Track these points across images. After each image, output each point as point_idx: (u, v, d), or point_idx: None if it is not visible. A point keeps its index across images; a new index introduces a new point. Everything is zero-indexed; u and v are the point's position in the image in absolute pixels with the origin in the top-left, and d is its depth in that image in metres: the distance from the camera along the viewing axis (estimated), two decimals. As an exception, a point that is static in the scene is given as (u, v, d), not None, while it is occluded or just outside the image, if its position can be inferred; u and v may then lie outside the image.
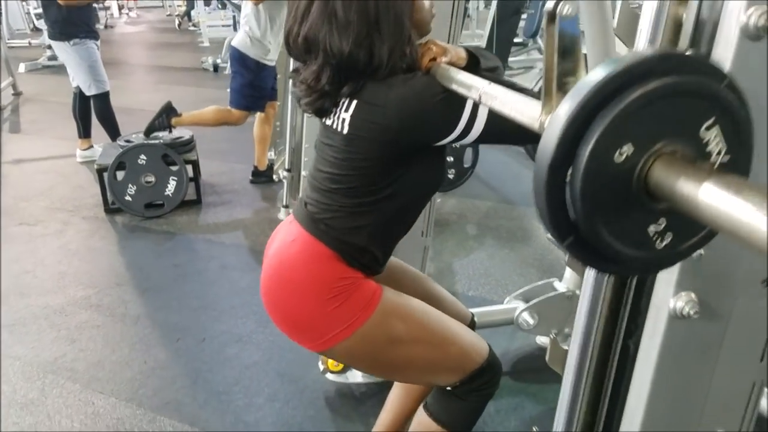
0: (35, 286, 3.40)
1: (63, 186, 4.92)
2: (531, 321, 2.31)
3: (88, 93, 5.10)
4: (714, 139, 0.67)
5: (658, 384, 0.93)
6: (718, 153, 0.67)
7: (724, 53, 0.80)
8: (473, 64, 1.49)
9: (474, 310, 2.48)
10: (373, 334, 1.48)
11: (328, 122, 1.48)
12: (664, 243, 0.71)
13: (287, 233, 1.56)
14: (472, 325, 1.80)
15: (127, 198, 4.20)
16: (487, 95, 1.07)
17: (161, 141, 4.36)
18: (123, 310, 3.12)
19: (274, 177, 4.73)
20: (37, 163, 5.56)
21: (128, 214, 4.26)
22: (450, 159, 4.38)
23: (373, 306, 1.47)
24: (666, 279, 0.90)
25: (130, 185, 4.19)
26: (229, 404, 2.40)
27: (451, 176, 4.45)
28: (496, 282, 3.33)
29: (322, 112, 1.47)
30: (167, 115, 4.45)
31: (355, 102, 1.40)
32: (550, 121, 0.65)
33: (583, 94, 0.63)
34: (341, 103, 1.42)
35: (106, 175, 4.19)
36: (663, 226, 0.70)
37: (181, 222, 4.19)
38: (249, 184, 4.80)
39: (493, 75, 1.52)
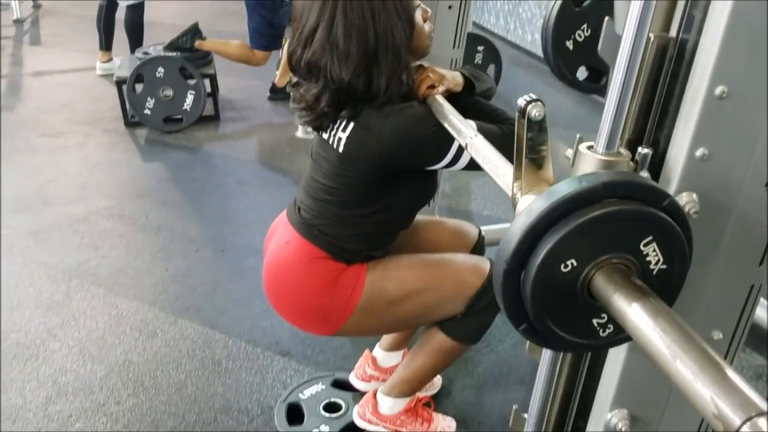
0: (58, 195, 3.47)
1: (83, 99, 4.93)
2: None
3: (123, 2, 5.02)
4: (652, 252, 0.78)
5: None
6: (657, 262, 0.79)
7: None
8: (469, 88, 1.57)
9: (486, 228, 2.52)
10: (370, 306, 1.58)
11: (325, 136, 1.53)
12: (607, 332, 0.83)
13: (282, 235, 1.65)
14: (479, 241, 1.84)
15: (146, 111, 4.21)
16: (473, 146, 1.22)
17: (179, 54, 4.33)
18: (144, 220, 3.19)
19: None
20: (58, 76, 5.55)
21: (148, 128, 4.29)
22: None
23: (361, 283, 1.57)
24: (666, 177, 0.91)
25: (148, 99, 4.19)
26: (247, 311, 2.48)
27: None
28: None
29: (320, 128, 1.53)
30: (192, 36, 4.42)
31: (352, 124, 1.45)
32: (507, 234, 0.78)
33: (533, 216, 0.75)
34: (339, 121, 1.47)
35: (124, 87, 4.19)
36: (605, 319, 0.82)
37: (199, 137, 4.21)
38: (267, 101, 4.79)
39: (485, 101, 1.62)
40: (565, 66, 2.40)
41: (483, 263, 1.66)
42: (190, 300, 2.56)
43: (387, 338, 2.01)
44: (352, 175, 1.50)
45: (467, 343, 1.70)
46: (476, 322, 1.66)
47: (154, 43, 4.61)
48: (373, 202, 1.54)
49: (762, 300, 2.19)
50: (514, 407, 1.23)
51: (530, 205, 0.77)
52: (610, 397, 1.06)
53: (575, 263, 0.76)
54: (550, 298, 0.78)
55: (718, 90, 0.85)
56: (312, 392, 2.00)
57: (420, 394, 1.94)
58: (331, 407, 1.94)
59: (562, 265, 0.75)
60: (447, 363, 1.76)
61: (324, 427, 1.87)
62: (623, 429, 1.06)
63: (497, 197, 3.41)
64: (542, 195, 0.77)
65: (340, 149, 1.48)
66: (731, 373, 0.63)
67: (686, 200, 0.90)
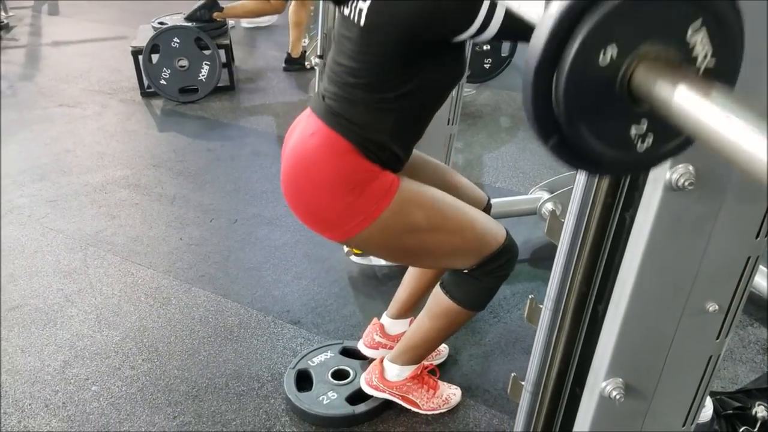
0: (76, 164, 3.52)
1: (101, 69, 4.97)
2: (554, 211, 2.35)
3: None
4: (700, 42, 0.67)
5: (649, 255, 0.96)
6: (704, 56, 0.67)
7: None
8: None
9: (499, 200, 2.53)
10: (391, 222, 1.52)
11: (346, 12, 1.46)
12: (645, 145, 0.73)
13: (306, 126, 1.57)
14: (487, 209, 1.84)
15: (162, 82, 4.23)
16: None
17: (195, 25, 4.33)
18: (159, 190, 3.23)
19: (306, 64, 4.70)
20: (75, 46, 5.59)
21: (164, 99, 4.32)
22: (486, 48, 4.29)
23: (391, 196, 1.50)
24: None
25: (164, 69, 4.22)
26: (259, 279, 2.52)
27: (487, 66, 4.36)
28: (524, 175, 3.34)
29: (340, 1, 1.46)
30: (210, 8, 4.43)
31: None
32: (539, 21, 0.66)
33: None
34: None
35: (140, 58, 4.22)
36: (645, 128, 0.71)
37: (214, 108, 4.23)
38: (282, 72, 4.79)
39: None
40: None
41: (502, 230, 1.65)
42: (204, 268, 2.60)
43: (394, 306, 2.04)
44: (375, 51, 1.42)
45: (472, 309, 1.71)
46: (481, 286, 1.67)
47: (172, 13, 4.61)
48: (399, 82, 1.44)
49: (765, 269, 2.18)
50: (512, 375, 1.25)
51: None
52: (605, 365, 1.08)
53: (615, 51, 0.65)
54: (586, 97, 0.68)
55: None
56: (321, 359, 2.04)
57: (426, 362, 1.97)
58: (340, 374, 1.98)
59: (602, 55, 0.65)
60: (452, 329, 1.78)
61: (332, 394, 1.91)
62: (617, 397, 1.08)
63: (510, 170, 3.40)
64: None
65: (362, 22, 1.39)
66: None
67: (682, 172, 0.91)
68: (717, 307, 1.05)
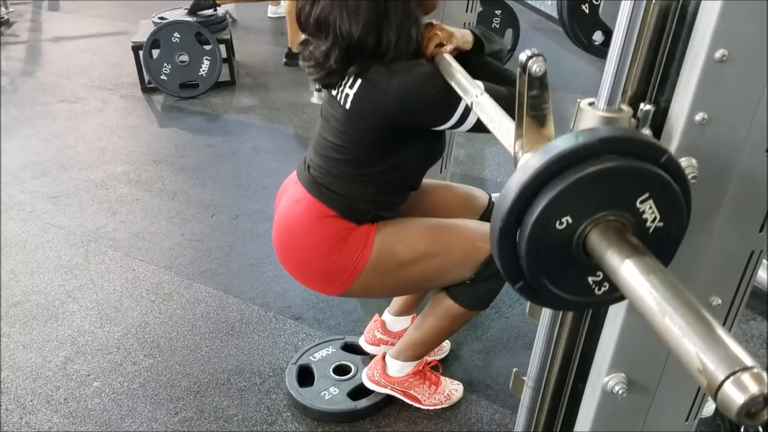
0: (77, 160, 3.52)
1: (102, 64, 4.96)
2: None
3: None
4: (648, 209, 0.78)
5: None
6: (654, 220, 0.78)
7: None
8: (479, 47, 1.55)
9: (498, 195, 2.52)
10: (379, 266, 1.59)
11: (334, 93, 1.52)
12: (603, 290, 0.83)
13: (292, 193, 1.66)
14: (489, 207, 1.84)
15: (163, 77, 4.23)
16: (478, 105, 1.20)
17: (195, 20, 4.32)
18: (160, 185, 3.23)
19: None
20: (76, 41, 5.59)
21: (164, 94, 4.31)
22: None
23: (370, 244, 1.58)
24: (665, 142, 0.91)
25: (165, 64, 4.21)
26: (260, 275, 2.52)
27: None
28: (526, 169, 3.32)
29: (329, 85, 1.52)
30: None
31: (359, 81, 1.44)
32: (503, 191, 0.77)
33: (528, 172, 0.74)
34: (347, 78, 1.47)
35: (141, 53, 4.21)
36: (600, 278, 0.81)
37: (215, 103, 4.22)
38: (283, 66, 4.78)
39: (495, 62, 1.60)
40: (580, 30, 2.38)
41: None
42: (205, 264, 2.60)
43: (396, 303, 2.03)
44: (359, 133, 1.50)
45: (475, 309, 1.72)
46: (484, 288, 1.68)
47: (173, 8, 4.60)
48: (381, 160, 1.54)
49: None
50: (514, 370, 1.24)
51: (526, 161, 0.77)
52: (608, 360, 1.07)
53: (570, 220, 0.76)
54: (546, 255, 0.78)
55: (719, 53, 0.84)
56: (322, 355, 2.03)
57: (428, 358, 1.97)
58: (341, 370, 1.98)
59: (558, 222, 0.75)
60: (455, 328, 1.78)
61: (333, 389, 1.91)
62: (620, 392, 1.07)
63: (512, 164, 3.38)
64: (538, 151, 0.76)
65: (347, 106, 1.47)
66: (719, 330, 0.62)
67: (685, 165, 0.90)
68: (720, 301, 1.04)
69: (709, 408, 1.55)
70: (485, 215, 1.85)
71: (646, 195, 0.77)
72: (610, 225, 0.76)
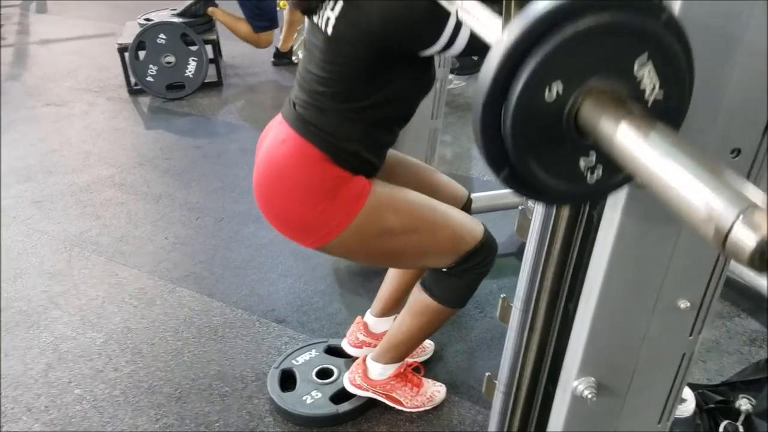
0: (62, 164, 3.50)
1: (88, 67, 4.93)
2: (538, 204, 2.33)
3: None
4: (648, 75, 0.68)
5: (616, 252, 0.94)
6: (652, 89, 0.69)
7: None
8: None
9: (483, 194, 2.51)
10: (364, 227, 1.52)
11: (315, 20, 1.46)
12: (595, 177, 0.74)
13: (277, 133, 1.56)
14: (467, 204, 1.83)
15: (149, 79, 4.20)
16: (464, 11, 1.08)
17: (181, 20, 4.29)
18: (145, 189, 3.21)
19: (293, 58, 4.68)
20: (63, 44, 5.56)
21: (151, 96, 4.29)
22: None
23: (362, 201, 1.50)
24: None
25: (151, 66, 4.19)
26: (245, 278, 2.50)
27: (475, 58, 4.32)
28: (513, 167, 3.31)
29: (309, 10, 1.46)
30: (205, 3, 4.42)
31: (341, 2, 1.38)
32: (484, 63, 0.66)
33: (515, 33, 0.64)
34: (328, 1, 1.40)
35: (127, 54, 4.18)
36: (593, 160, 0.72)
37: (202, 104, 4.21)
38: (270, 66, 4.75)
39: None
40: None
41: (480, 226, 1.64)
42: (189, 268, 2.59)
43: (378, 304, 2.02)
44: (342, 61, 1.42)
45: (452, 306, 1.70)
46: (461, 284, 1.66)
47: (159, 9, 4.57)
48: (367, 93, 1.45)
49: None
50: (486, 374, 1.23)
51: (510, 24, 0.66)
52: (576, 364, 1.06)
53: (561, 88, 0.66)
54: (533, 132, 0.68)
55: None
56: (305, 359, 2.02)
57: (411, 360, 1.96)
58: (324, 373, 1.97)
59: (547, 91, 0.66)
60: (434, 327, 1.77)
61: (316, 393, 1.90)
62: (589, 396, 1.06)
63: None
64: (524, 11, 0.65)
65: (329, 31, 1.39)
66: (728, 173, 0.54)
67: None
68: (689, 304, 1.03)
69: (687, 407, 1.55)
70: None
71: (645, 56, 0.67)
72: (605, 93, 0.67)
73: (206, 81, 4.34)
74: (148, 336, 2.23)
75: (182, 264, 2.61)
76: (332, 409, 1.85)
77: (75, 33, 5.76)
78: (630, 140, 0.61)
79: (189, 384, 2.02)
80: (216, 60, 4.45)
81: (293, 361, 2.01)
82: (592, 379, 1.08)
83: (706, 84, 0.85)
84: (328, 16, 1.40)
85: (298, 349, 2.06)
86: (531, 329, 1.14)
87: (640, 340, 1.06)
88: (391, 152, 1.71)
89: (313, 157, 1.48)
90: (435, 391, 1.92)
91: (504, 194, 2.62)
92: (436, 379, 1.99)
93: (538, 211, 1.04)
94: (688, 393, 1.55)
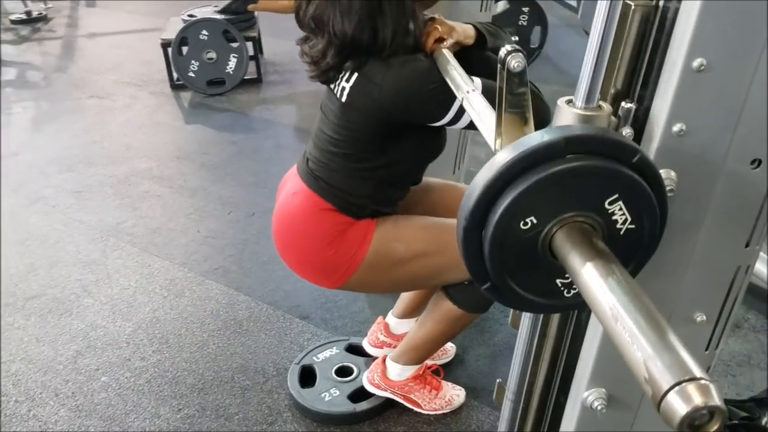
0: (102, 156, 3.58)
1: (133, 61, 5.04)
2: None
3: None
4: (618, 210, 0.75)
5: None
6: (624, 221, 0.75)
7: None
8: (481, 42, 1.52)
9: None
10: (376, 262, 1.57)
11: (332, 86, 1.51)
12: (572, 292, 0.80)
13: (291, 186, 1.65)
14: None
15: (190, 74, 4.27)
16: (468, 101, 1.19)
17: (223, 17, 4.35)
18: (181, 182, 3.26)
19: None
20: (110, 38, 5.69)
21: (192, 91, 4.36)
22: (515, 39, 4.21)
23: (369, 239, 1.56)
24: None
25: (193, 61, 4.26)
26: (272, 273, 2.53)
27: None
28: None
29: (327, 81, 1.51)
30: (244, 1, 4.45)
31: (356, 75, 1.43)
32: (467, 190, 0.76)
33: (493, 171, 0.72)
34: (344, 72, 1.45)
35: (170, 50, 4.26)
36: (569, 279, 0.79)
37: (241, 100, 4.26)
38: (310, 64, 4.78)
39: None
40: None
41: None
42: (219, 261, 2.62)
43: (400, 305, 2.02)
44: (354, 127, 1.48)
45: (473, 312, 1.69)
46: (480, 290, 1.64)
47: (204, 5, 4.64)
48: (377, 156, 1.52)
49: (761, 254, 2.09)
50: (497, 381, 1.22)
51: (492, 159, 0.74)
52: (587, 375, 1.04)
53: (535, 221, 0.73)
54: (510, 256, 0.76)
55: (696, 62, 0.81)
56: (326, 356, 2.03)
57: (431, 362, 1.95)
58: (343, 371, 1.97)
59: (522, 223, 0.73)
60: (454, 332, 1.76)
61: (334, 391, 1.91)
62: (599, 408, 1.04)
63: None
64: (505, 149, 0.73)
65: (343, 99, 1.46)
66: (671, 338, 0.59)
67: (663, 177, 0.87)
68: (705, 317, 1.00)
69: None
70: None
71: (615, 196, 0.74)
72: (577, 226, 0.74)
73: (246, 78, 4.39)
74: (175, 327, 2.27)
75: (212, 257, 2.65)
76: (350, 407, 1.85)
77: (122, 27, 5.89)
78: (592, 282, 0.67)
79: (212, 376, 2.05)
80: (256, 57, 4.50)
81: (314, 358, 2.02)
82: (603, 390, 1.06)
83: (725, 92, 0.83)
84: (344, 86, 1.46)
85: (319, 346, 2.07)
86: (543, 337, 1.12)
87: (654, 353, 1.03)
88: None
89: (321, 208, 1.57)
90: (454, 394, 1.90)
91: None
92: (456, 382, 1.97)
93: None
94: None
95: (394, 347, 1.92)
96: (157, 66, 4.75)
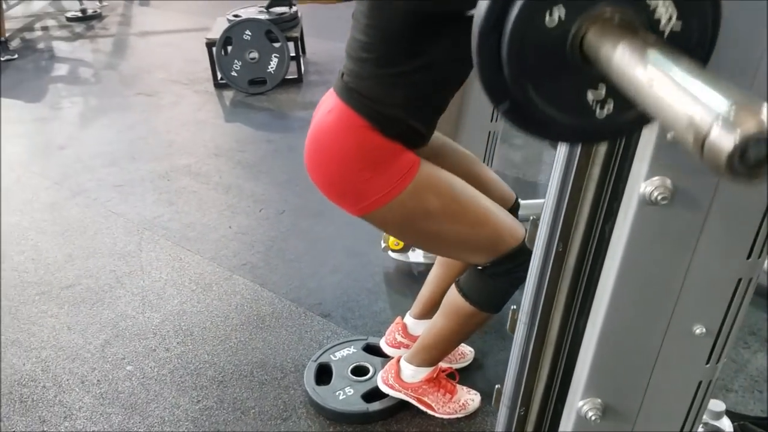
0: (146, 152, 3.68)
1: (180, 59, 5.16)
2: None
3: None
4: (663, 2, 0.61)
5: (624, 271, 0.90)
6: (668, 19, 0.62)
7: None
8: None
9: (532, 202, 2.45)
10: (407, 205, 1.51)
11: None
12: (605, 112, 0.67)
13: (326, 104, 1.58)
14: (515, 207, 1.78)
15: (233, 73, 4.35)
16: None
17: (266, 17, 4.41)
18: (217, 179, 3.33)
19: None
20: (160, 36, 5.84)
21: (234, 90, 4.44)
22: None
23: (410, 178, 1.48)
24: (638, 162, 0.85)
25: (236, 61, 4.33)
26: (297, 271, 2.55)
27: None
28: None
29: None
30: None
31: None
32: None
33: None
34: None
35: (214, 49, 4.35)
36: (603, 93, 0.66)
37: (281, 99, 4.31)
38: (351, 65, 4.81)
39: None
40: None
41: (522, 230, 1.60)
42: (247, 257, 2.66)
43: (418, 306, 2.01)
44: (383, 26, 1.40)
45: (486, 310, 1.66)
46: (496, 287, 1.63)
47: (250, 5, 4.72)
48: (409, 58, 1.42)
49: None
50: (496, 387, 1.21)
51: None
52: (582, 383, 1.02)
53: (562, 16, 0.61)
54: (533, 58, 0.63)
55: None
56: (343, 354, 2.04)
57: (446, 365, 1.94)
58: (359, 371, 1.98)
59: (548, 15, 0.61)
60: (466, 331, 1.74)
61: (349, 390, 1.91)
62: (593, 418, 1.02)
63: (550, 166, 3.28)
64: None
65: None
66: (723, 82, 0.47)
67: (656, 185, 0.85)
68: (704, 330, 0.97)
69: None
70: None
71: None
72: (612, 20, 0.61)
73: (287, 77, 4.44)
74: (200, 319, 2.32)
75: (241, 253, 2.69)
76: (362, 406, 1.86)
77: (172, 26, 6.03)
78: (627, 58, 0.55)
79: (232, 369, 2.09)
80: (298, 57, 4.55)
81: (331, 356, 2.03)
82: (599, 400, 1.03)
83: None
84: None
85: (337, 345, 2.08)
86: (544, 344, 1.10)
87: (651, 364, 1.01)
88: (445, 139, 1.71)
89: (357, 125, 1.47)
90: (469, 399, 1.89)
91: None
92: (473, 387, 1.95)
93: (543, 221, 1.01)
94: (726, 423, 1.46)
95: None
96: (203, 65, 4.85)
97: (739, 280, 0.94)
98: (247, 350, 2.16)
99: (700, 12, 0.63)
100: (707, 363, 1.02)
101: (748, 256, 0.92)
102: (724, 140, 0.42)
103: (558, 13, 0.61)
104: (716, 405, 1.47)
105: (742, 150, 0.41)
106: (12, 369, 2.12)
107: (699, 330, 0.98)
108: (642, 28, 0.61)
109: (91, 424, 1.91)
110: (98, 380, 2.07)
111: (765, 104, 0.42)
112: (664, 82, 0.51)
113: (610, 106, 0.67)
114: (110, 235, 2.87)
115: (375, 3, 1.39)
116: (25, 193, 3.26)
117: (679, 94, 0.49)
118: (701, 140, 0.43)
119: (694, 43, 0.64)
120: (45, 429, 1.90)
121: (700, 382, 1.04)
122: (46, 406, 1.97)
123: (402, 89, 1.46)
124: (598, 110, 0.67)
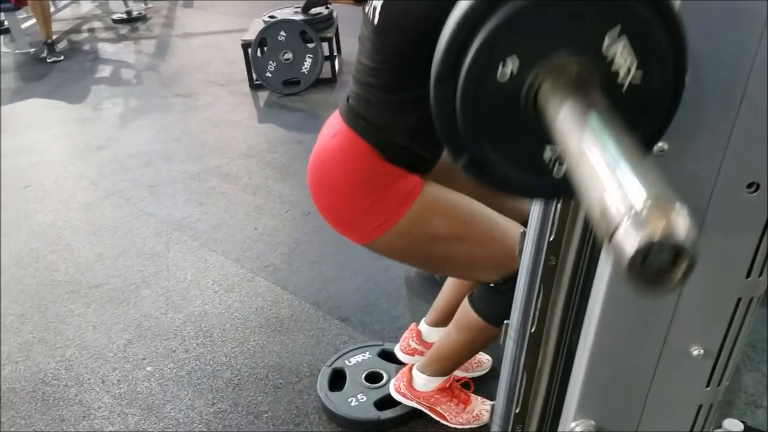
0: (179, 152, 3.73)
1: (219, 61, 5.22)
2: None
3: None
4: (621, 53, 0.57)
5: (614, 286, 0.85)
6: (627, 71, 0.58)
7: None
8: None
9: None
10: (411, 229, 1.47)
11: (366, 9, 1.44)
12: (564, 170, 0.64)
13: (331, 126, 1.57)
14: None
15: (268, 74, 4.38)
16: None
17: (301, 18, 4.43)
18: (246, 179, 3.35)
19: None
20: (201, 38, 5.92)
21: (269, 91, 4.46)
22: None
23: (411, 200, 1.45)
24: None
25: (270, 62, 4.36)
26: (319, 273, 2.55)
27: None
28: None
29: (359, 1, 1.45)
30: None
31: None
32: (441, 33, 0.61)
33: (467, 3, 0.57)
34: None
35: (249, 50, 4.38)
36: (559, 148, 0.60)
37: (314, 100, 4.32)
38: (386, 65, 4.79)
39: None
40: None
41: None
42: (270, 259, 2.67)
43: (433, 313, 1.98)
44: (390, 51, 1.39)
45: (498, 325, 1.61)
46: (506, 302, 1.58)
47: (285, 6, 4.74)
48: (417, 84, 1.35)
49: None
50: (492, 404, 1.17)
51: None
52: (574, 404, 0.98)
53: (515, 69, 0.58)
54: (488, 114, 0.61)
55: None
56: (357, 360, 2.02)
57: (462, 374, 1.91)
58: (373, 377, 1.96)
59: (501, 67, 0.58)
60: (479, 344, 1.71)
61: (361, 396, 1.89)
62: (585, 441, 0.97)
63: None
64: None
65: (375, 20, 1.38)
66: (640, 165, 0.44)
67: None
68: (702, 351, 0.92)
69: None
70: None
71: (618, 30, 0.56)
72: (567, 74, 0.57)
73: (321, 78, 4.45)
74: (221, 321, 2.33)
75: (265, 254, 2.70)
76: (374, 414, 1.84)
77: (213, 27, 6.11)
78: (567, 122, 0.52)
79: (248, 372, 2.09)
80: (332, 57, 4.55)
81: (346, 361, 2.02)
82: (592, 422, 0.99)
83: (715, 104, 0.75)
84: (375, 5, 1.38)
85: (352, 350, 2.07)
86: (543, 358, 1.06)
87: (646, 386, 0.96)
88: None
89: (362, 151, 1.46)
90: (483, 409, 1.85)
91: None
92: (489, 397, 1.91)
93: (528, 236, 0.97)
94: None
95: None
96: (240, 66, 4.89)
97: (739, 300, 0.89)
98: (264, 353, 2.17)
99: (661, 62, 0.58)
100: (707, 386, 0.96)
101: (747, 275, 0.86)
102: (629, 240, 0.39)
103: (511, 65, 0.58)
104: (733, 425, 1.39)
105: (644, 255, 0.38)
106: (37, 367, 2.17)
107: (697, 351, 0.92)
108: (596, 86, 0.57)
109: (108, 424, 1.94)
110: (118, 380, 2.10)
111: (677, 205, 0.39)
112: (592, 158, 0.48)
113: (564, 164, 0.63)
114: (140, 235, 2.92)
115: (381, 30, 1.37)
116: (63, 192, 3.34)
117: (601, 176, 0.45)
118: (611, 233, 0.40)
119: (656, 95, 0.60)
120: (64, 428, 1.94)
121: (701, 406, 0.98)
122: (66, 405, 2.01)
123: (410, 115, 1.43)
124: (555, 168, 0.64)
